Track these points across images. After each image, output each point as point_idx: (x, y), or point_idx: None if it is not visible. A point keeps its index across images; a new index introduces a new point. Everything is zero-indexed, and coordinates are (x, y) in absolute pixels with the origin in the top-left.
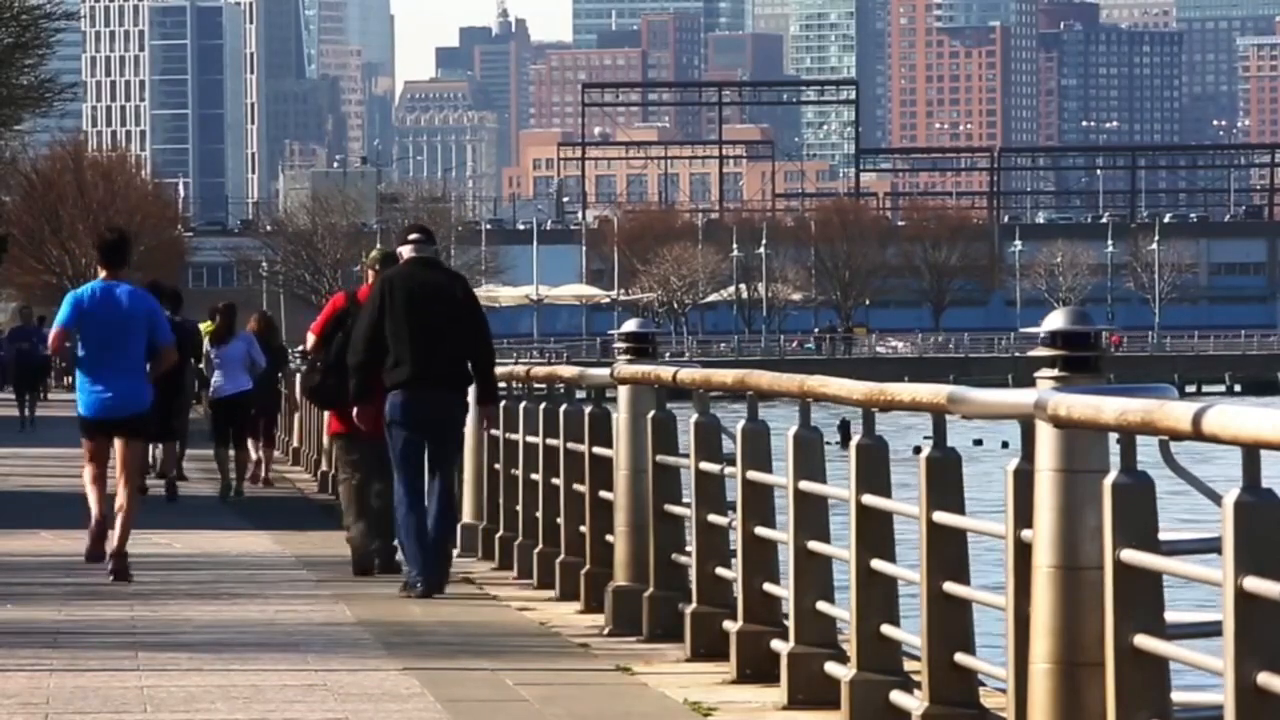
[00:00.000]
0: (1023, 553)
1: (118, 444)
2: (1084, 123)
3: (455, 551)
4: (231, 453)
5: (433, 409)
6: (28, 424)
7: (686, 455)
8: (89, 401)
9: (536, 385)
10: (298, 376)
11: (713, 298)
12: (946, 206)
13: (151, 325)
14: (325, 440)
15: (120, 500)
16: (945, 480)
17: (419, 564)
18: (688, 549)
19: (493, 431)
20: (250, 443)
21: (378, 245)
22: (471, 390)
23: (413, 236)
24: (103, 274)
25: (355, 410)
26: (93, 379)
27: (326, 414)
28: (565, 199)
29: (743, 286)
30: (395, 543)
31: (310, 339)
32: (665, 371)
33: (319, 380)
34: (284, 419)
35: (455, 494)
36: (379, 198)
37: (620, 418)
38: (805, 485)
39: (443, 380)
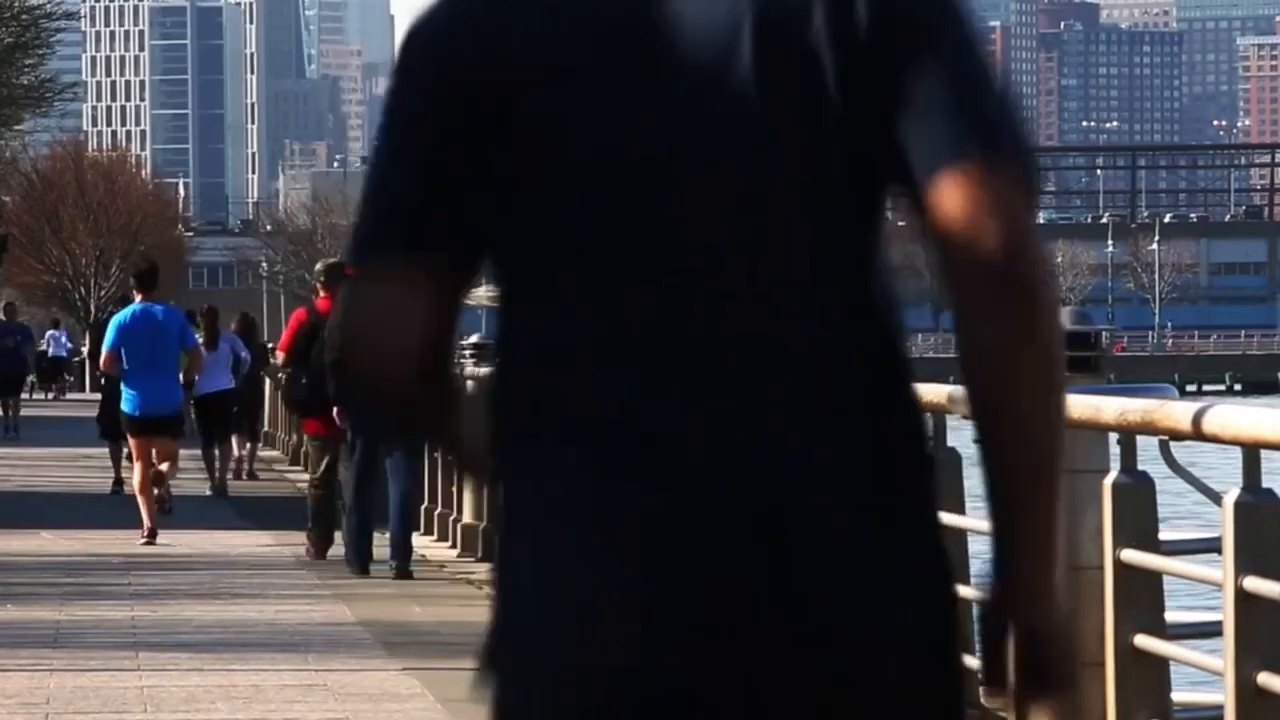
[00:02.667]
0: None
1: (155, 442)
2: (1084, 123)
3: (455, 552)
4: (216, 450)
5: None
6: (11, 429)
7: None
8: (135, 403)
9: None
10: (281, 377)
11: None
12: None
13: (181, 335)
14: None
15: (163, 469)
16: (945, 480)
17: (354, 554)
18: None
19: None
20: (235, 439)
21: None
22: None
23: None
24: (138, 297)
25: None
26: (138, 385)
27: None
28: None
29: None
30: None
31: (280, 356)
32: None
33: (307, 393)
34: (284, 419)
35: (415, 491)
36: None
37: None
38: None
39: None
